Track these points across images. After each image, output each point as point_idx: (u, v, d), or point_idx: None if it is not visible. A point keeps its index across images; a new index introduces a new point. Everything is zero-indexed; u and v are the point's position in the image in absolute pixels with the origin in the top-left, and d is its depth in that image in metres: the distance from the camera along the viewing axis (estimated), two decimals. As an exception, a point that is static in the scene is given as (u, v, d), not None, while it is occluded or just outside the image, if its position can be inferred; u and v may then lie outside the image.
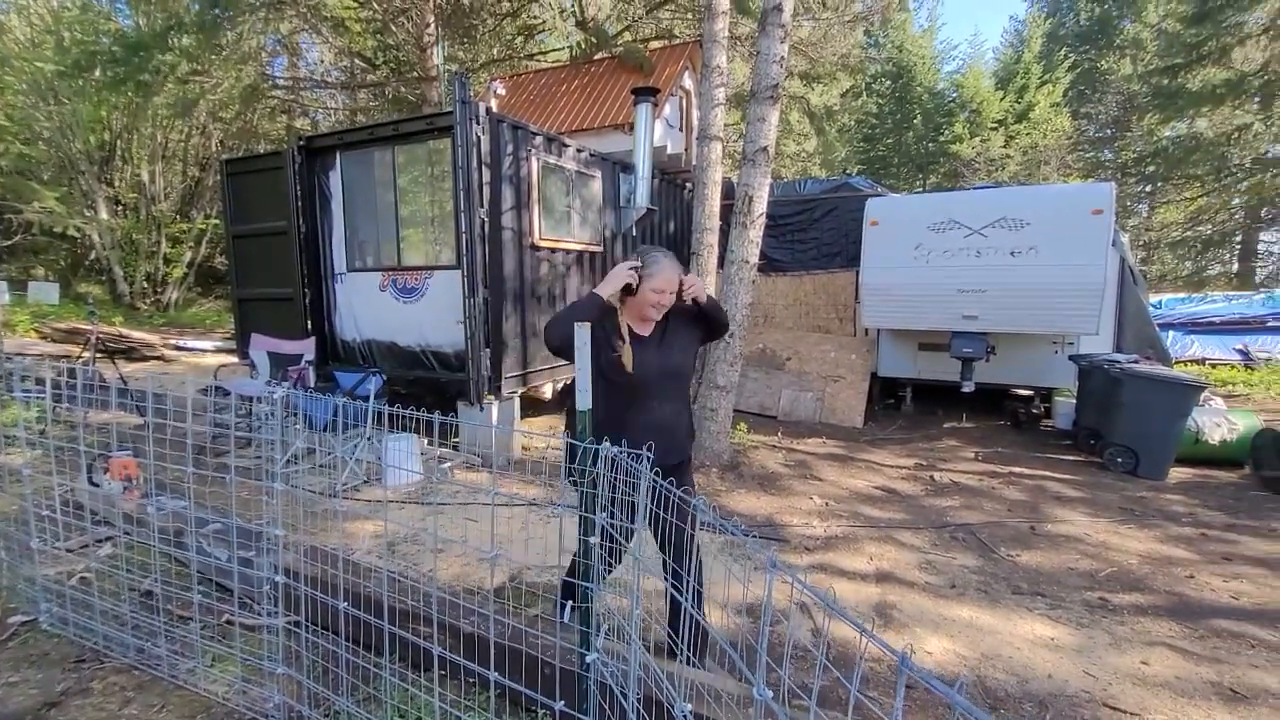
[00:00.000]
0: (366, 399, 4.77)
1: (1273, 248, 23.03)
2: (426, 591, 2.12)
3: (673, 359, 2.29)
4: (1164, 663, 2.58)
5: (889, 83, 26.76)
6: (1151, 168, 16.66)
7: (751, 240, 4.67)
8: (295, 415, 4.22)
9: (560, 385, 6.49)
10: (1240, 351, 13.44)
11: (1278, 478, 5.06)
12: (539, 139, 5.77)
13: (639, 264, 2.19)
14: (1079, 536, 3.94)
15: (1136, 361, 5.99)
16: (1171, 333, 12.82)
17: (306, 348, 5.91)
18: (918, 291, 6.52)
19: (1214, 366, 12.62)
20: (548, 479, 4.44)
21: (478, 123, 4.89)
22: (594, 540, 1.49)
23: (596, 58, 11.63)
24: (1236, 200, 16.33)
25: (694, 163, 5.38)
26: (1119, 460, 5.47)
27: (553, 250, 6.04)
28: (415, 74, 12.84)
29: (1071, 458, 5.85)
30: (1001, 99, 24.68)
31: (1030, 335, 6.62)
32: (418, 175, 6.10)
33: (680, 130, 10.46)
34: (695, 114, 9.08)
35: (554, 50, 14.20)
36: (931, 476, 5.15)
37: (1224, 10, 10.77)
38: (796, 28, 9.22)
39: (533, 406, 6.74)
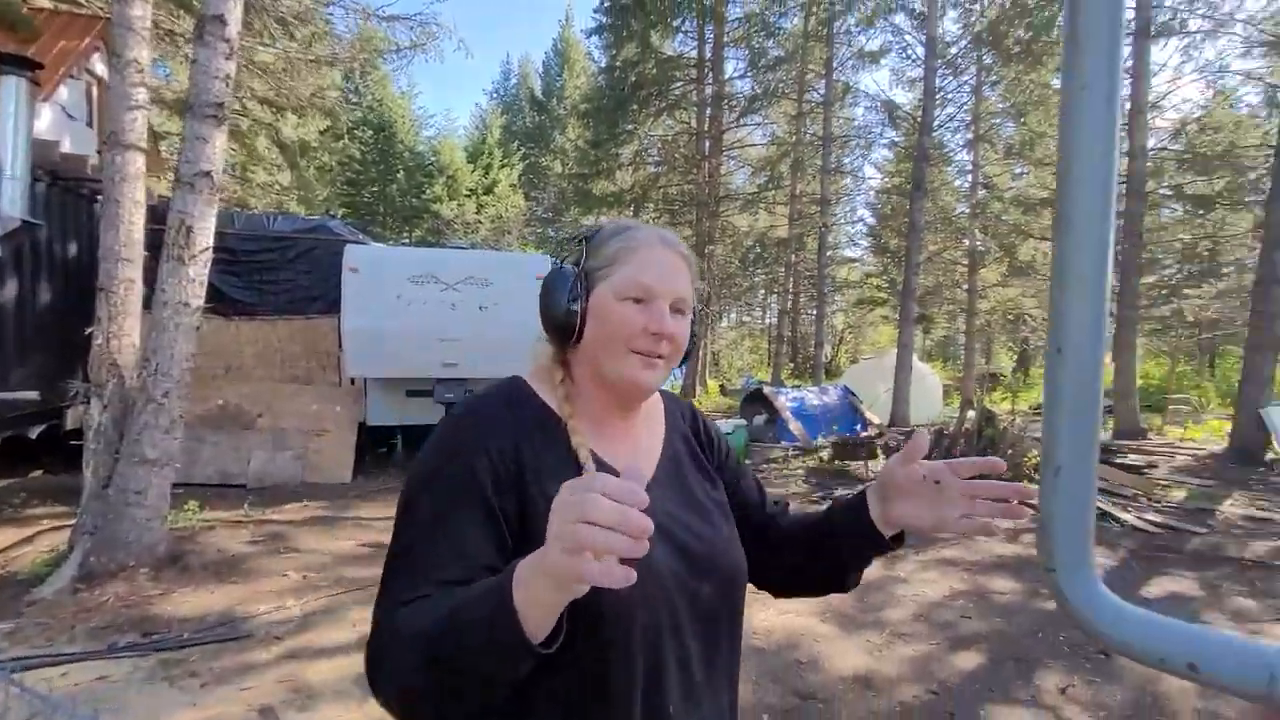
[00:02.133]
0: None
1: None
2: None
3: (722, 534, 0.81)
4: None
5: (371, 132, 27.17)
6: (577, 247, 21.93)
7: (192, 279, 3.86)
8: None
9: None
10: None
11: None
12: None
13: (576, 261, 0.78)
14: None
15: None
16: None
17: None
18: (401, 339, 6.67)
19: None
20: None
21: None
22: None
23: (-79, -12, 7.78)
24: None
25: (104, 173, 4.14)
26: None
27: None
28: None
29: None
30: (473, 171, 28.30)
31: (499, 379, 7.62)
32: None
33: (91, 126, 8.03)
34: (113, 110, 7.08)
35: None
36: (419, 521, 5.26)
37: (607, 144, 15.24)
38: (250, 49, 8.35)
39: None
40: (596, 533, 0.46)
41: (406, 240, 26.05)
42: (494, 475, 0.68)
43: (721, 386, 20.29)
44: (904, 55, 12.55)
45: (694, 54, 14.48)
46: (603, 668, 0.66)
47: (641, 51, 13.76)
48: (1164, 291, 12.56)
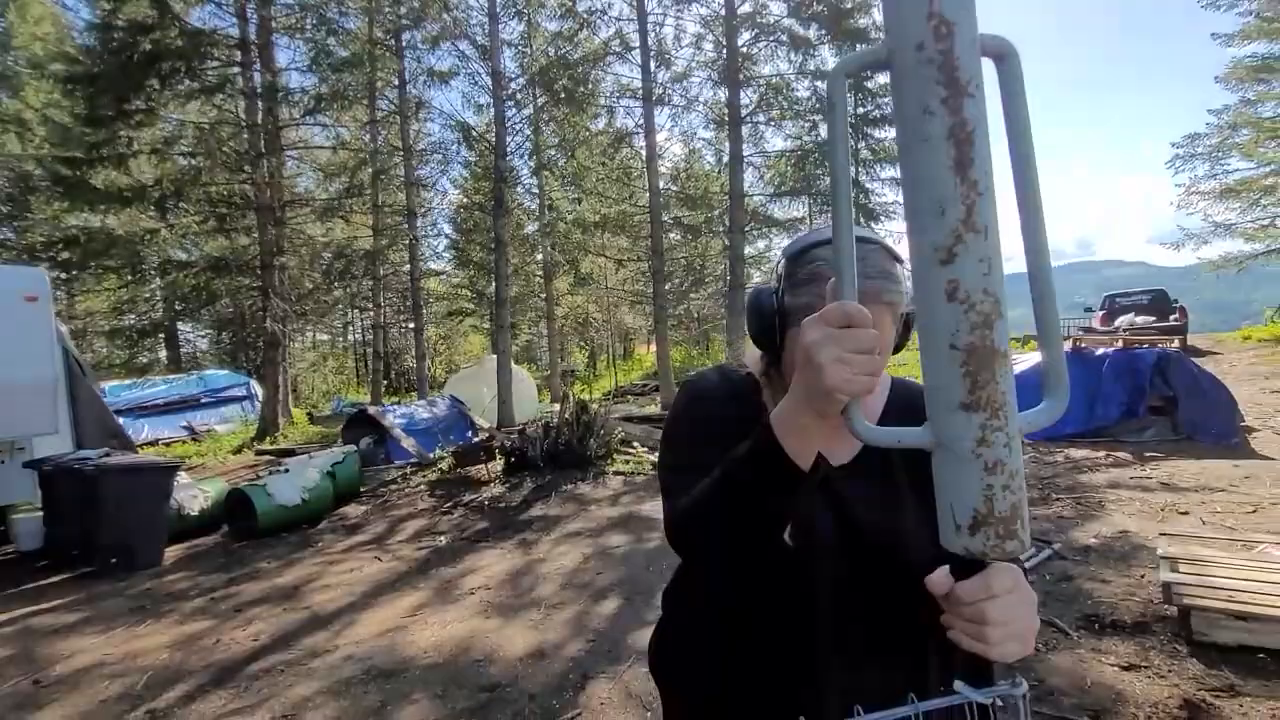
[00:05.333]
0: None
1: (190, 336, 26.98)
2: None
3: (905, 527, 0.81)
4: (226, 734, 2.66)
5: None
6: (66, 255, 16.10)
7: None
8: None
9: None
10: (186, 428, 15.09)
11: (249, 526, 6.05)
12: None
13: (778, 276, 0.86)
14: (100, 660, 3.45)
15: (107, 455, 5.74)
16: (121, 419, 12.94)
17: None
18: None
19: (168, 445, 13.64)
20: None
21: None
22: None
23: None
24: (158, 294, 18.09)
25: None
26: (114, 560, 5.11)
27: None
28: None
29: (57, 578, 5.02)
30: None
31: (-35, 447, 5.20)
32: None
33: None
34: None
35: None
36: None
37: (113, 123, 11.70)
38: None
39: None
40: (845, 356, 0.57)
41: None
42: (716, 432, 0.82)
43: (309, 414, 18.00)
44: (474, 82, 13.36)
45: (235, 32, 12.37)
46: (798, 605, 0.80)
47: (160, 16, 11.01)
48: (675, 296, 16.91)
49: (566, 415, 7.90)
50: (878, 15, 12.77)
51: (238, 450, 12.28)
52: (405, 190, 13.68)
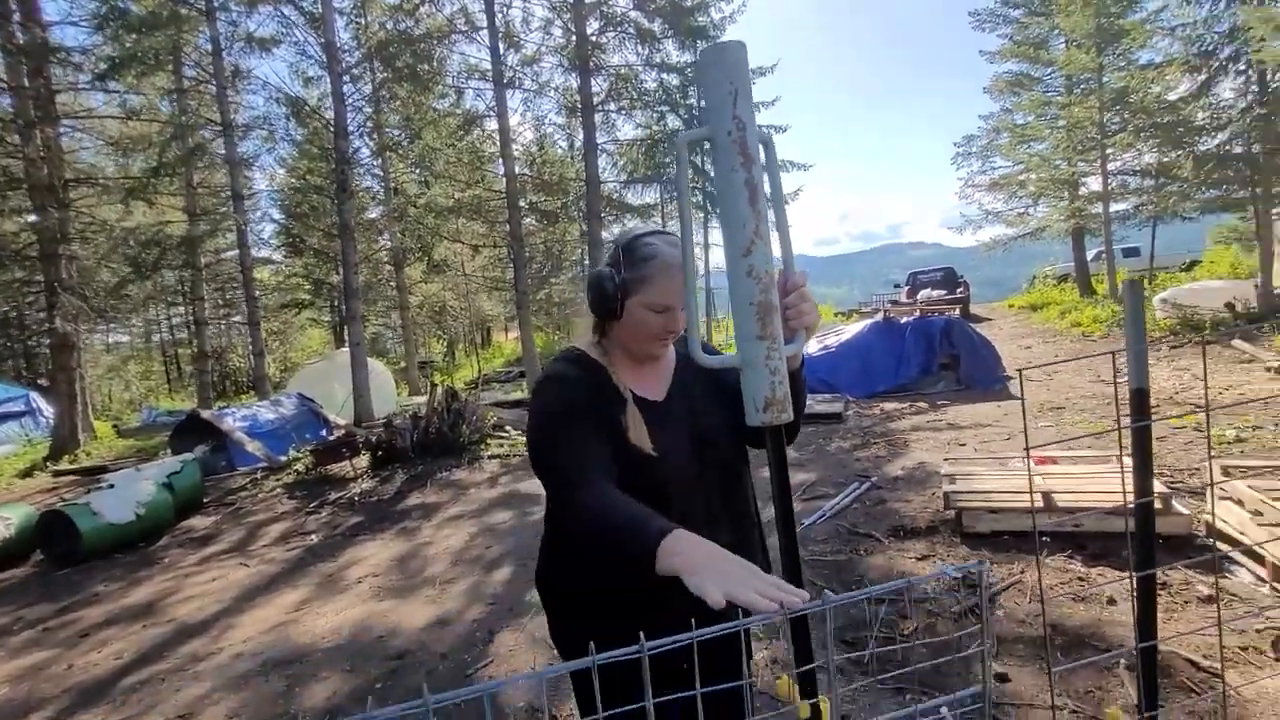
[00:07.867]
0: None
1: None
2: None
3: (717, 423, 1.21)
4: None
5: None
6: None
7: None
8: None
9: None
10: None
11: (70, 550, 5.37)
12: None
13: (615, 265, 1.15)
14: (-85, 710, 3.03)
15: None
16: None
17: None
18: None
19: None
20: None
21: None
22: None
23: None
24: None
25: None
26: (-106, 607, 4.34)
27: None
28: None
29: None
30: None
31: None
32: None
33: None
34: None
35: None
36: None
37: None
38: None
39: None
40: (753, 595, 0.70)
41: None
42: (583, 402, 1.10)
43: (115, 427, 15.63)
44: (301, 52, 12.25)
45: (-17, -25, 10.24)
46: (658, 502, 1.04)
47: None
48: (535, 282, 16.95)
49: (435, 404, 7.82)
50: (715, 14, 13.69)
51: (26, 473, 10.49)
52: (229, 170, 12.27)
